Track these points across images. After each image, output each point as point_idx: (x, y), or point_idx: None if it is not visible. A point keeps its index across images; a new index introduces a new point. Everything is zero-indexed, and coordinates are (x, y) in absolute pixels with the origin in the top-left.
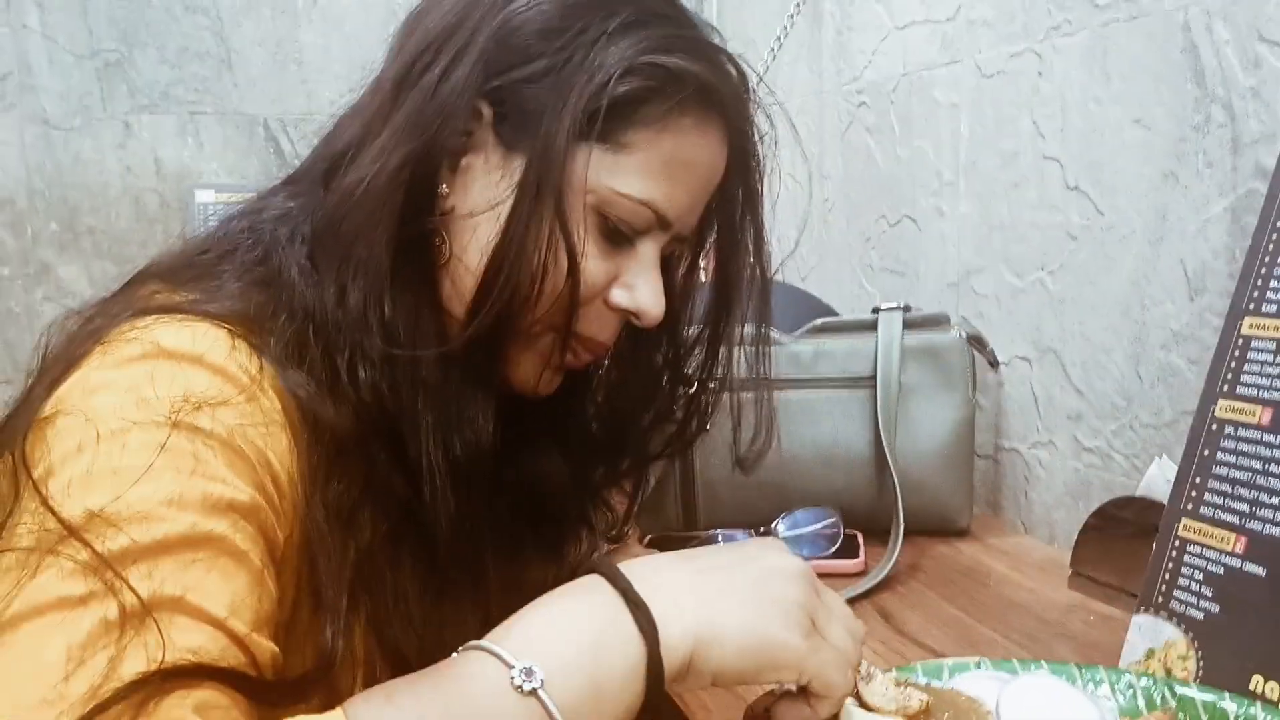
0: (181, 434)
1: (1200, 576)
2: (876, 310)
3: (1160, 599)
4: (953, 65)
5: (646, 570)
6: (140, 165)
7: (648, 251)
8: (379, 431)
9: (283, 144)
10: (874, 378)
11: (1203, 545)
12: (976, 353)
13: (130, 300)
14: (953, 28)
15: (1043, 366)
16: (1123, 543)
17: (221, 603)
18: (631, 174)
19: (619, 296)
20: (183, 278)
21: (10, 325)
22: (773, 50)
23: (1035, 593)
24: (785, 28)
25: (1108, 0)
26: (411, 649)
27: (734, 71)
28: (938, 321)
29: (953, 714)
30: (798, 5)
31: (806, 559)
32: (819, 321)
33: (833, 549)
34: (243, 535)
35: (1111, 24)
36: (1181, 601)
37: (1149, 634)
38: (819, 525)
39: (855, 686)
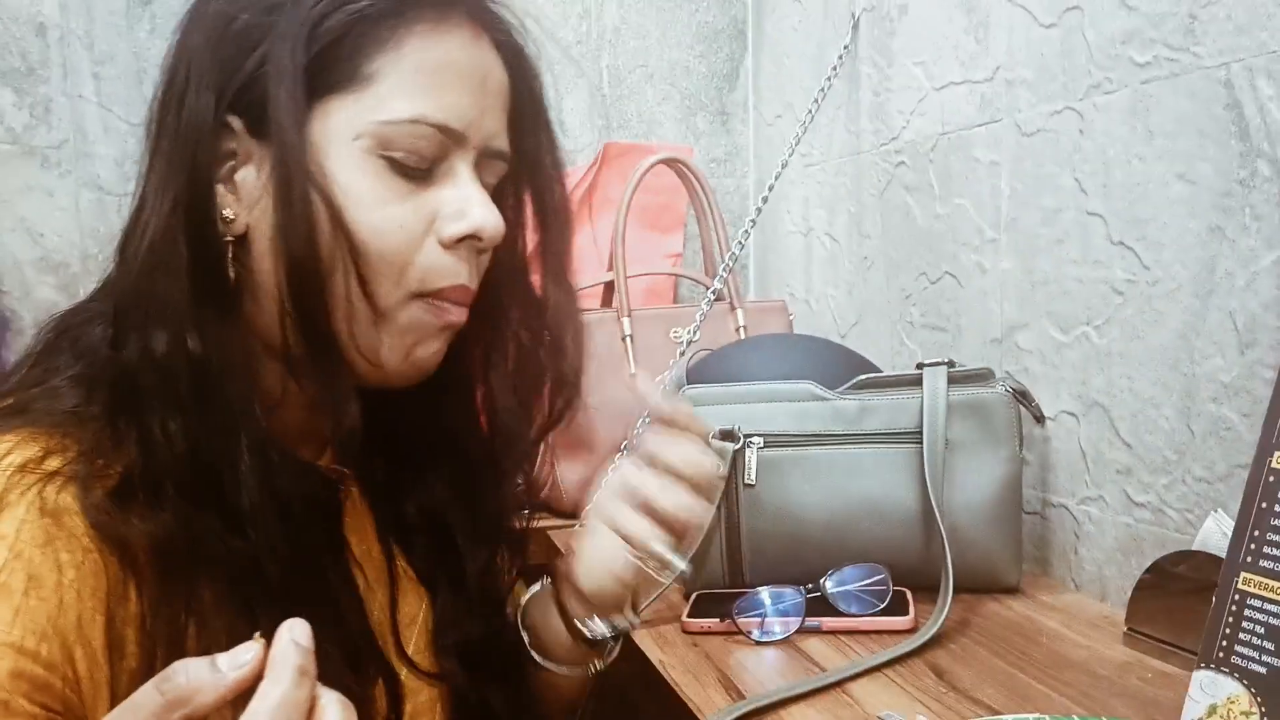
0: None
1: (1262, 630)
2: (921, 366)
3: (1221, 654)
4: (992, 124)
5: None
6: None
7: (459, 171)
8: (200, 499)
9: None
10: (919, 433)
11: (1263, 599)
12: (1022, 407)
13: None
14: (991, 88)
15: (1090, 421)
16: (1179, 599)
17: None
18: (388, 99)
19: (450, 228)
20: (11, 393)
21: None
22: (810, 112)
23: (1089, 650)
24: (823, 90)
25: (1148, 58)
26: None
27: None
28: (982, 377)
29: None
30: (834, 68)
31: (855, 616)
32: (863, 377)
33: (881, 606)
34: None
35: (1152, 81)
36: (1243, 656)
37: (1210, 690)
38: (867, 581)
39: None
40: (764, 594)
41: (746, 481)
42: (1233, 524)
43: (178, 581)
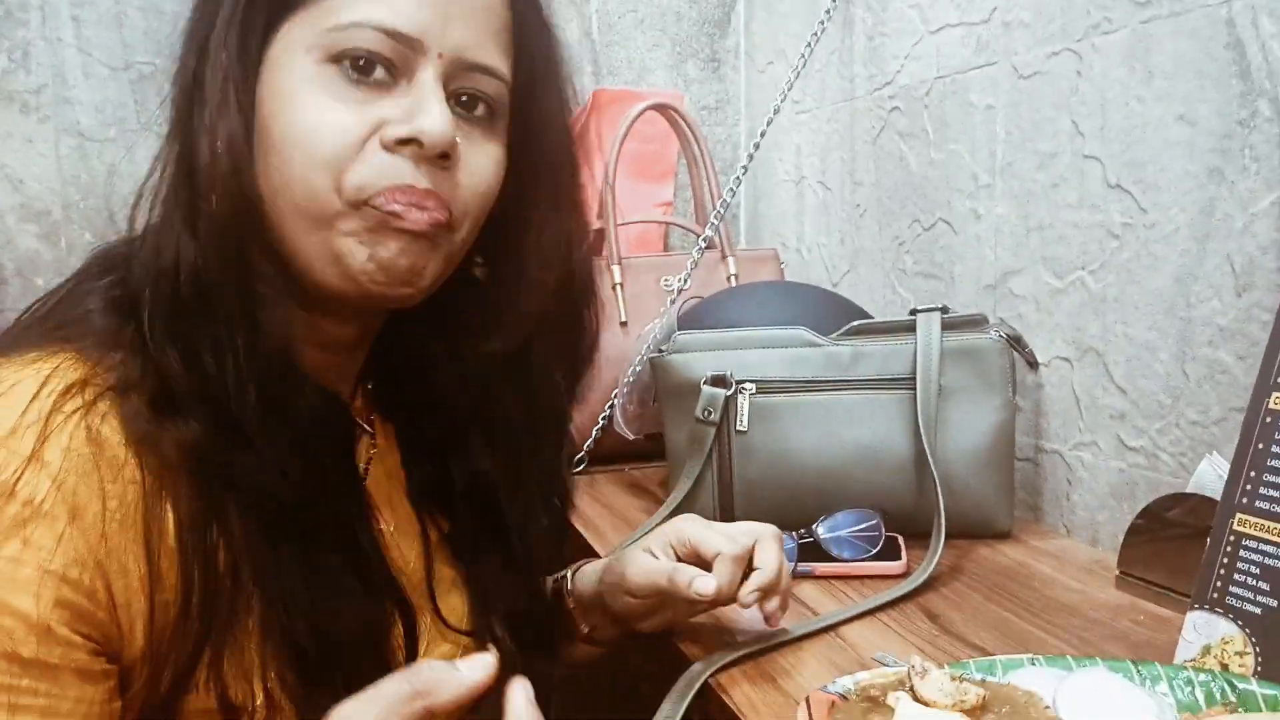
0: None
1: (1256, 571)
2: (914, 312)
3: (1215, 595)
4: (988, 67)
5: None
6: None
7: (421, 80)
8: (215, 413)
9: None
10: (913, 379)
11: (1259, 540)
12: (1015, 353)
13: None
14: (988, 30)
15: (1084, 367)
16: (1172, 542)
17: None
18: (339, 8)
19: (390, 130)
20: (48, 304)
21: None
22: (803, 57)
23: (1082, 594)
24: (816, 34)
25: None
26: (298, 632)
27: None
28: (976, 323)
29: (1010, 708)
30: (828, 12)
31: (848, 561)
32: (857, 323)
33: (874, 551)
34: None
35: (1153, 21)
36: (1237, 597)
37: (1204, 631)
38: (860, 527)
39: (911, 682)
40: None
41: (738, 428)
42: (1227, 466)
43: (208, 500)
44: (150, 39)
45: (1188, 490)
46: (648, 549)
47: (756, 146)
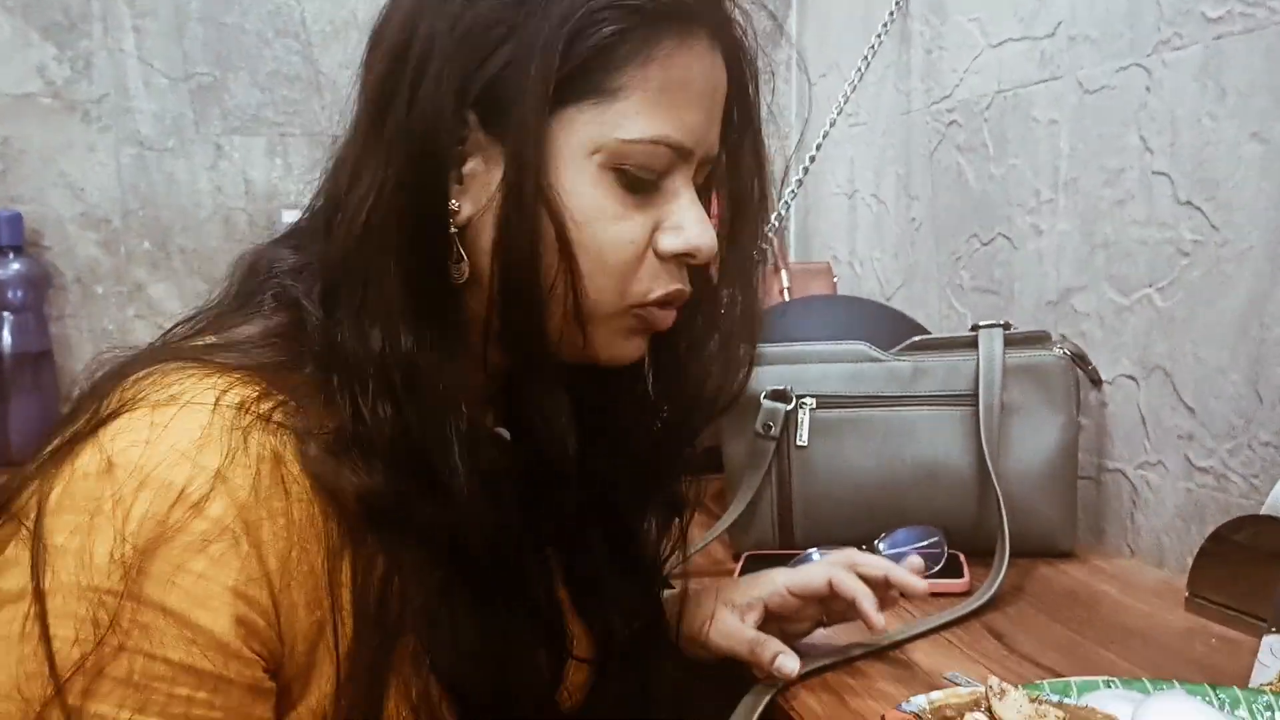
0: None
1: None
2: (976, 328)
3: None
4: (1052, 82)
5: None
6: (231, 186)
7: (679, 186)
8: (410, 471)
9: None
10: (974, 395)
11: None
12: (1079, 371)
13: (155, 352)
14: (1052, 44)
15: (1150, 386)
16: (1245, 566)
17: None
18: (631, 116)
19: (668, 242)
20: (213, 330)
21: (104, 341)
22: (859, 70)
23: (1150, 616)
24: (873, 47)
25: (1220, 13)
26: (469, 680)
27: None
28: (1039, 340)
29: None
30: (885, 25)
31: None
32: (917, 339)
33: (936, 568)
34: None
35: (1225, 37)
36: None
37: None
38: (922, 544)
39: (989, 703)
40: (815, 555)
41: (798, 443)
42: None
43: (383, 543)
44: (210, 50)
45: (1263, 513)
46: (732, 604)
47: (812, 159)
